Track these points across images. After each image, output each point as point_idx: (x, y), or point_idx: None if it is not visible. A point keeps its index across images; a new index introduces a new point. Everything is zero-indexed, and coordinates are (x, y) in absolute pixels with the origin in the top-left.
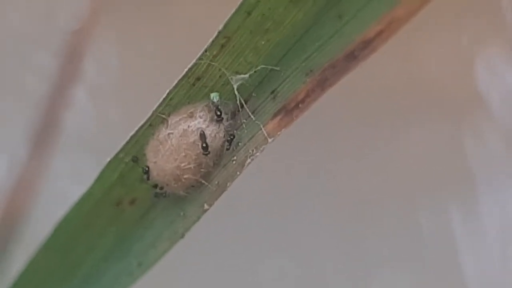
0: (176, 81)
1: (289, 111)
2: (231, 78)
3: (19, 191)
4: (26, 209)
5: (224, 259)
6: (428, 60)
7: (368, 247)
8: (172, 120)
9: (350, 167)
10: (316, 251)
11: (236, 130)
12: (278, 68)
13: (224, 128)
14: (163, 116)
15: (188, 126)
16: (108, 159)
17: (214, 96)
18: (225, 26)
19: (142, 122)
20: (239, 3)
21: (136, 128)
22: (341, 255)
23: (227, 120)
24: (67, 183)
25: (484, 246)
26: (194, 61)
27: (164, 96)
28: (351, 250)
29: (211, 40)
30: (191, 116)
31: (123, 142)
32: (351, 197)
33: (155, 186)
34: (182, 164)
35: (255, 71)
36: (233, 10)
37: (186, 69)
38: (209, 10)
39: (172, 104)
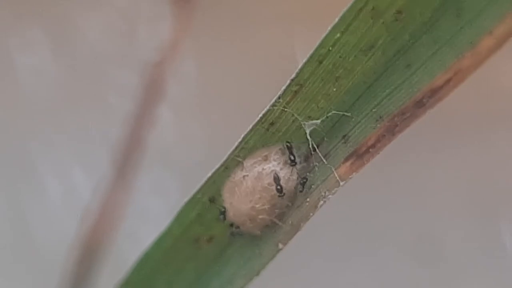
0: (250, 126)
1: (360, 155)
2: (304, 124)
3: (105, 211)
4: (113, 228)
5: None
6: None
7: (449, 262)
8: (247, 163)
9: (429, 176)
10: (390, 263)
11: (309, 173)
12: (349, 114)
13: (297, 171)
14: (239, 159)
15: (263, 169)
16: (186, 199)
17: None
18: (297, 74)
19: (218, 165)
20: (311, 52)
21: (213, 170)
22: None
23: (300, 163)
24: (151, 200)
25: None
26: (267, 107)
27: (239, 140)
28: (429, 268)
29: (283, 87)
30: (266, 159)
31: (201, 183)
32: (429, 209)
33: (231, 225)
34: (257, 205)
35: (326, 117)
36: (305, 59)
37: (260, 115)
38: (289, 41)
39: (247, 148)
